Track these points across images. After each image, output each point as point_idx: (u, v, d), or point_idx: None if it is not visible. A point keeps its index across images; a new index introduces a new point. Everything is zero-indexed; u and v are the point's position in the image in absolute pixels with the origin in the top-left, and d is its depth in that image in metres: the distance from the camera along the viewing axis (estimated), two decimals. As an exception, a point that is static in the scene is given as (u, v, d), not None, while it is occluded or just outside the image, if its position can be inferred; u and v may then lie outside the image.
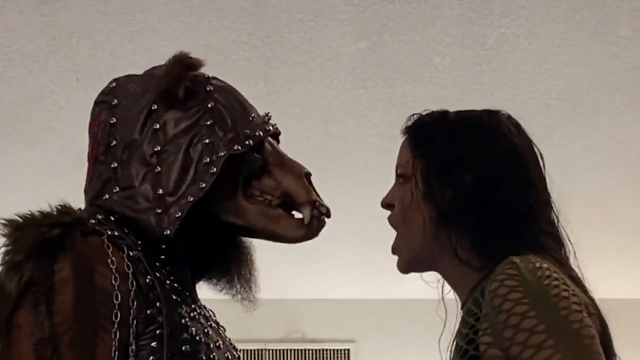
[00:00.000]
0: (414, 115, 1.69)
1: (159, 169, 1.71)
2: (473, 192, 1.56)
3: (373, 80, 3.63)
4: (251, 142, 1.76)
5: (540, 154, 1.64)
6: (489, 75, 3.59)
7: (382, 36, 3.40)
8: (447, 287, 1.66)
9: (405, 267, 1.67)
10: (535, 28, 3.37)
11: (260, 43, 3.43)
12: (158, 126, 1.74)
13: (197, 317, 1.69)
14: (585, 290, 1.51)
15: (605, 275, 4.78)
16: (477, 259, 1.55)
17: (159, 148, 1.73)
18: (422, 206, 1.59)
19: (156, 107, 1.76)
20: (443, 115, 1.66)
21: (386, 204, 1.68)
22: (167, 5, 3.25)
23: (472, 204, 1.55)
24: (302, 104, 3.76)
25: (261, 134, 1.78)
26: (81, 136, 4.05)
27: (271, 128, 1.83)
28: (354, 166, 4.21)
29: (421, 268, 1.67)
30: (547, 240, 1.56)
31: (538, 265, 1.44)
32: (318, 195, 1.80)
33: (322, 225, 1.79)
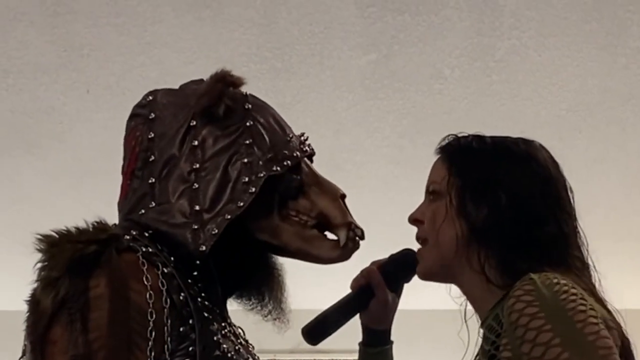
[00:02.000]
0: (449, 135, 1.71)
1: (196, 186, 1.71)
2: (507, 211, 1.58)
3: (383, 92, 3.64)
4: (289, 162, 1.76)
5: (570, 187, 1.66)
6: (499, 86, 3.59)
7: (391, 48, 3.41)
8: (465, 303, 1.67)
9: (426, 273, 1.69)
10: (545, 39, 3.38)
11: (270, 54, 3.43)
12: (196, 143, 1.74)
13: (228, 334, 1.69)
14: (605, 306, 1.52)
15: (618, 285, 4.76)
16: (501, 277, 1.57)
17: (197, 165, 1.72)
18: (455, 222, 1.61)
19: (195, 123, 1.76)
20: (479, 137, 1.69)
21: (414, 219, 1.70)
22: (177, 18, 3.26)
23: (505, 223, 1.58)
24: (312, 115, 3.77)
25: (298, 154, 1.78)
26: (91, 147, 4.08)
27: (308, 149, 1.83)
28: (364, 177, 4.21)
29: (441, 278, 1.69)
30: (574, 262, 1.58)
31: (555, 280, 1.45)
32: (352, 217, 1.80)
33: (356, 247, 1.80)
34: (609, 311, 1.51)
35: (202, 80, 1.81)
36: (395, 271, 1.78)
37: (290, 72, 3.52)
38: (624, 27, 3.31)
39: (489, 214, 1.59)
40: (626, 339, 1.51)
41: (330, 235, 1.80)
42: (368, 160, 4.11)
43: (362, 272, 1.79)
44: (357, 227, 1.79)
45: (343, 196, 1.81)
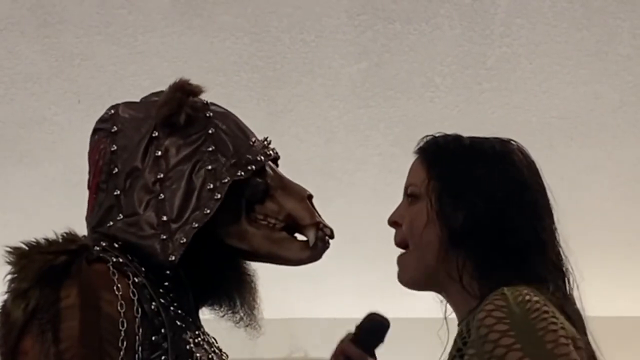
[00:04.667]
0: (427, 136, 1.70)
1: (162, 196, 1.72)
2: (483, 217, 1.58)
3: (374, 100, 3.64)
4: (253, 167, 1.77)
5: (546, 189, 1.65)
6: (490, 94, 3.60)
7: (383, 56, 3.41)
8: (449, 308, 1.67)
9: (409, 281, 1.67)
10: (536, 47, 3.38)
11: (261, 63, 3.44)
12: (159, 153, 1.75)
13: (201, 342, 1.69)
14: (579, 324, 1.52)
15: (608, 293, 4.77)
16: (477, 286, 1.56)
17: (161, 175, 1.73)
18: (436, 227, 1.60)
19: (157, 133, 1.76)
20: (457, 139, 1.68)
21: (393, 222, 1.68)
22: (168, 27, 3.26)
23: (482, 229, 1.57)
24: (304, 124, 3.77)
25: (262, 158, 1.79)
26: (83, 157, 4.06)
27: (271, 152, 1.83)
28: (355, 185, 4.21)
29: (424, 287, 1.68)
30: (551, 271, 1.57)
31: (527, 297, 1.45)
32: (320, 217, 1.80)
33: (326, 246, 1.80)
34: (580, 331, 1.50)
35: (163, 91, 1.82)
36: (369, 339, 1.74)
37: (282, 80, 3.52)
38: (614, 35, 3.32)
39: (466, 219, 1.58)
40: (594, 358, 1.51)
41: (299, 237, 1.80)
42: (359, 169, 4.11)
43: (336, 352, 1.71)
44: (325, 226, 1.79)
45: (310, 197, 1.81)
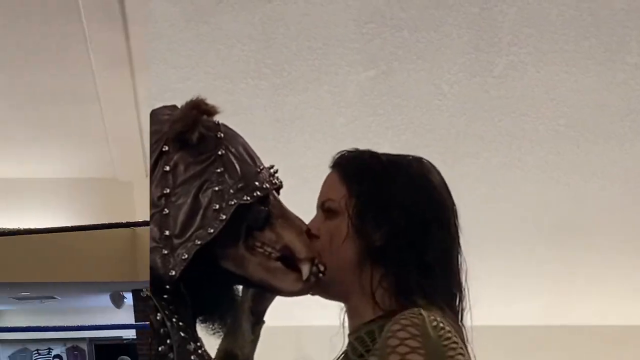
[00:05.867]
0: (343, 151, 1.78)
1: (166, 211, 1.73)
2: (404, 235, 1.65)
3: (382, 108, 3.65)
4: (258, 193, 1.78)
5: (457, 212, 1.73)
6: (497, 102, 3.60)
7: (390, 64, 3.42)
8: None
9: (319, 291, 1.75)
10: (543, 55, 3.39)
11: (268, 71, 3.44)
12: (168, 168, 1.76)
13: (203, 353, 1.71)
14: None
15: (616, 300, 4.76)
16: (391, 300, 1.62)
17: (168, 190, 1.75)
18: (355, 242, 1.68)
19: (167, 148, 1.78)
20: (374, 156, 1.75)
21: (309, 235, 1.76)
22: (176, 34, 3.27)
23: (403, 246, 1.64)
24: (311, 131, 3.77)
25: (267, 186, 1.81)
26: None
27: (276, 181, 1.85)
28: (362, 193, 4.22)
29: (330, 296, 1.75)
30: (456, 290, 1.65)
31: (441, 325, 1.50)
32: (316, 252, 1.83)
33: (318, 282, 1.81)
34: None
35: (174, 106, 1.83)
36: None
37: (289, 88, 3.53)
38: (622, 43, 3.33)
39: (388, 235, 1.65)
40: None
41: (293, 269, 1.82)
42: (367, 176, 4.11)
43: None
44: (320, 262, 1.81)
45: (308, 230, 1.83)
